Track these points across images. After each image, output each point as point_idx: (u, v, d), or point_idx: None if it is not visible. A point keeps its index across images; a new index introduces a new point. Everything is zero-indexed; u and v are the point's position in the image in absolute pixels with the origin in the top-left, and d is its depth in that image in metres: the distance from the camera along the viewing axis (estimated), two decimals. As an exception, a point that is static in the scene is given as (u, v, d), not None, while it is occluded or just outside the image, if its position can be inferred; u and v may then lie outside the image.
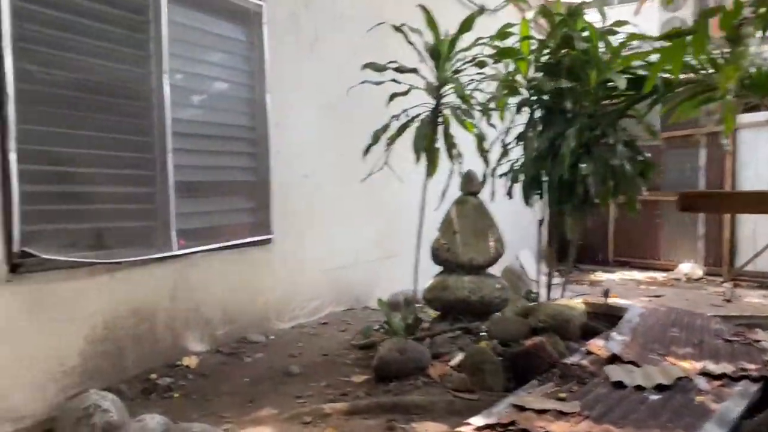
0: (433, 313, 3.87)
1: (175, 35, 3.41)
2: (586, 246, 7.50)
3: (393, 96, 3.65)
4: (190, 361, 3.40)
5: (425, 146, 3.43)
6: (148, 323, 3.28)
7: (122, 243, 3.17)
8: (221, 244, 3.70)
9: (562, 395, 2.56)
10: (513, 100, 3.91)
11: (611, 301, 4.29)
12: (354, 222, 5.01)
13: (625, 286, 6.77)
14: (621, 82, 3.34)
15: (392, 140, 3.75)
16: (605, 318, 3.95)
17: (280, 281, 4.25)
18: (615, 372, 2.80)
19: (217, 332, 3.72)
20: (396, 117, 3.64)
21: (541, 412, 2.37)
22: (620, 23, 3.69)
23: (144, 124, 3.31)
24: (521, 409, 2.40)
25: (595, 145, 3.58)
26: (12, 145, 2.64)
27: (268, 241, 4.11)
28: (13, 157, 2.65)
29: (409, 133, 3.71)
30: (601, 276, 7.62)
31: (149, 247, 3.30)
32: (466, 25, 3.40)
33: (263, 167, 4.08)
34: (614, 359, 3.00)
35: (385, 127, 3.61)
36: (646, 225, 7.81)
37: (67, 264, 2.84)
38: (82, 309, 2.94)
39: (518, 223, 5.63)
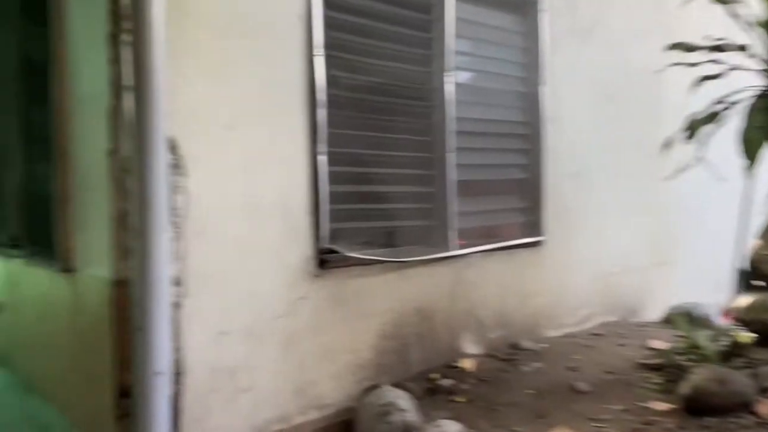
0: (744, 337, 3.27)
1: (458, 32, 3.35)
2: None
3: (702, 80, 3.14)
4: (467, 364, 3.33)
5: (759, 138, 2.87)
6: (429, 322, 3.29)
7: (408, 242, 3.22)
8: (496, 245, 3.57)
9: None
10: None
11: None
12: (626, 224, 4.53)
13: None
14: None
15: (693, 131, 3.23)
16: None
17: (549, 286, 4.00)
18: None
19: (490, 335, 3.61)
20: (714, 104, 3.12)
21: None
22: None
23: (427, 124, 3.32)
24: None
25: None
26: (322, 148, 2.80)
27: (538, 243, 3.88)
28: (323, 159, 2.80)
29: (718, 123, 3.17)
30: None
31: (431, 246, 3.29)
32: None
33: (536, 165, 3.86)
34: None
35: (705, 116, 3.11)
36: None
37: (362, 261, 2.94)
38: (374, 305, 3.03)
39: None
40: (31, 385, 3.37)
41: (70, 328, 2.84)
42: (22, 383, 3.44)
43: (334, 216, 2.86)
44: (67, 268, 2.76)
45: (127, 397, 2.32)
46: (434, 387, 3.07)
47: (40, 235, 3.19)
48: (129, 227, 2.28)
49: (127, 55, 2.22)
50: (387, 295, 3.09)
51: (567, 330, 4.09)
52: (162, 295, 2.07)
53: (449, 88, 3.31)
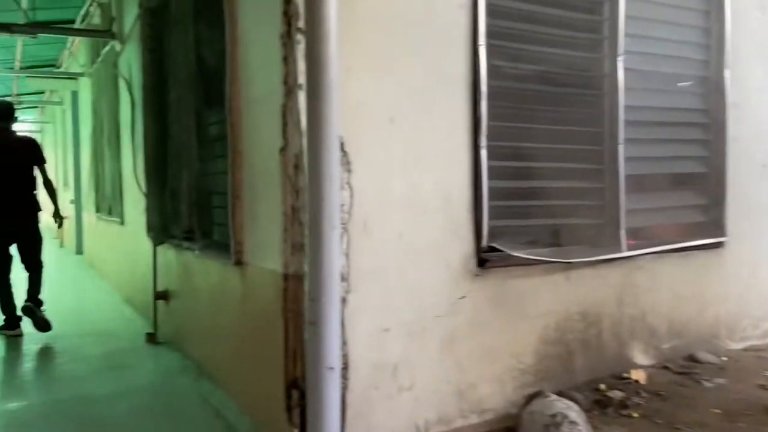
0: None
1: (631, 12, 3.06)
2: None
3: None
4: (638, 376, 3.05)
5: None
6: (595, 328, 3.05)
7: (572, 241, 3.01)
8: (670, 246, 3.24)
9: None
10: None
11: None
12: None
13: None
14: None
15: None
16: None
17: (731, 293, 3.57)
18: None
19: (663, 346, 3.28)
20: None
21: None
22: None
23: (595, 114, 3.08)
24: None
25: None
26: (483, 141, 2.68)
27: (719, 245, 3.47)
28: (483, 153, 2.68)
29: None
30: None
31: (598, 246, 3.05)
32: None
33: (717, 157, 3.45)
34: None
35: None
36: None
37: (524, 261, 2.78)
38: (536, 308, 2.87)
39: None
40: (201, 369, 3.61)
41: (239, 318, 2.98)
42: (194, 367, 3.69)
43: (495, 213, 2.74)
44: (238, 261, 2.89)
45: (296, 388, 2.37)
46: (603, 399, 2.84)
47: (213, 229, 3.39)
48: (300, 223, 2.32)
49: (299, 53, 2.26)
50: (550, 298, 2.91)
51: (751, 342, 3.64)
52: (334, 291, 2.07)
53: (620, 74, 3.04)
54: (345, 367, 2.34)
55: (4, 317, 4.71)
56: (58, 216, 5.22)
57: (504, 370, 2.78)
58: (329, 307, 2.06)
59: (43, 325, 4.73)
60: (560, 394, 2.80)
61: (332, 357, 2.08)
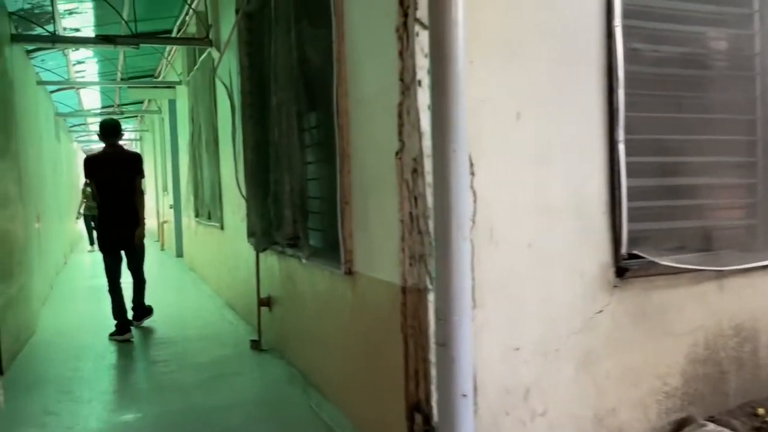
0: None
1: (790, -21, 2.65)
2: None
3: None
4: (803, 400, 2.64)
5: None
6: (750, 344, 2.67)
7: (722, 245, 2.63)
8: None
9: None
10: None
11: None
12: None
13: None
14: None
15: None
16: None
17: None
18: None
19: (831, 365, 2.83)
20: None
21: None
22: None
23: (746, 99, 2.68)
24: None
25: None
26: (620, 135, 2.37)
27: None
28: (621, 148, 2.38)
29: None
30: None
31: (752, 251, 2.66)
32: None
33: None
34: None
35: None
36: None
37: (669, 269, 2.45)
38: (683, 322, 2.53)
39: None
40: (308, 379, 3.51)
41: (349, 329, 2.83)
42: (300, 377, 3.59)
43: (635, 215, 2.43)
44: (348, 270, 2.73)
45: (419, 412, 2.18)
46: (765, 426, 2.46)
47: (318, 235, 3.27)
48: (419, 231, 2.12)
49: (417, 47, 2.06)
50: (699, 311, 2.56)
51: None
52: (465, 309, 1.85)
53: (777, 52, 2.64)
54: (474, 391, 2.12)
55: (115, 323, 4.85)
56: (140, 235, 4.93)
57: (647, 393, 2.46)
58: (461, 328, 1.85)
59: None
60: (712, 420, 2.46)
61: (465, 383, 1.87)
